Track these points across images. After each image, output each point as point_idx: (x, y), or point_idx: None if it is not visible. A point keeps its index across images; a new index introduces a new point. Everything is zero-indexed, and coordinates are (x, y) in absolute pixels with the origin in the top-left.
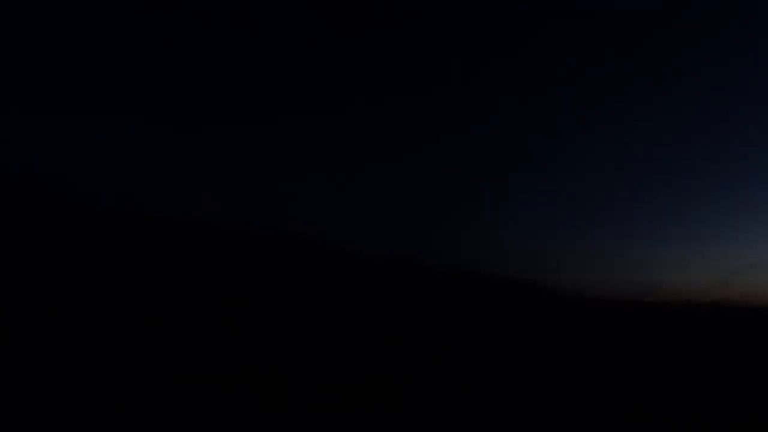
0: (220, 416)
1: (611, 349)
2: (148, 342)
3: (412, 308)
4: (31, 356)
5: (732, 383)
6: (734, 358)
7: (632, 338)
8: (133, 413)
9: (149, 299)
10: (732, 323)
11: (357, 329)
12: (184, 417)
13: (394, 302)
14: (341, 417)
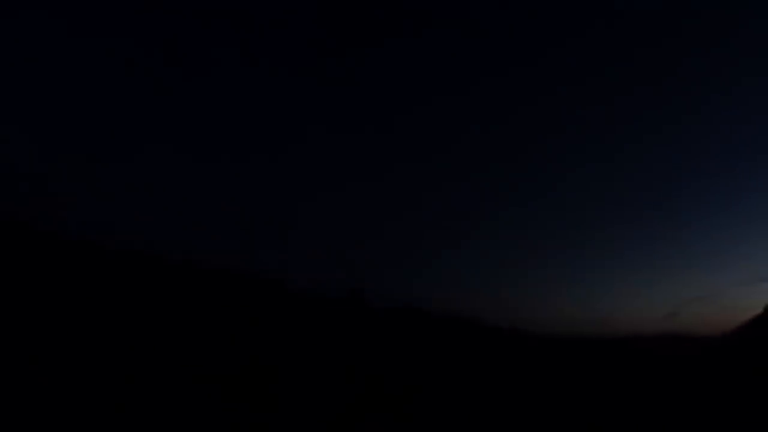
0: None
1: (556, 384)
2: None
3: (357, 342)
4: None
5: (681, 413)
6: (683, 388)
7: (578, 373)
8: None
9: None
10: (680, 354)
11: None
12: None
13: (340, 336)
14: None
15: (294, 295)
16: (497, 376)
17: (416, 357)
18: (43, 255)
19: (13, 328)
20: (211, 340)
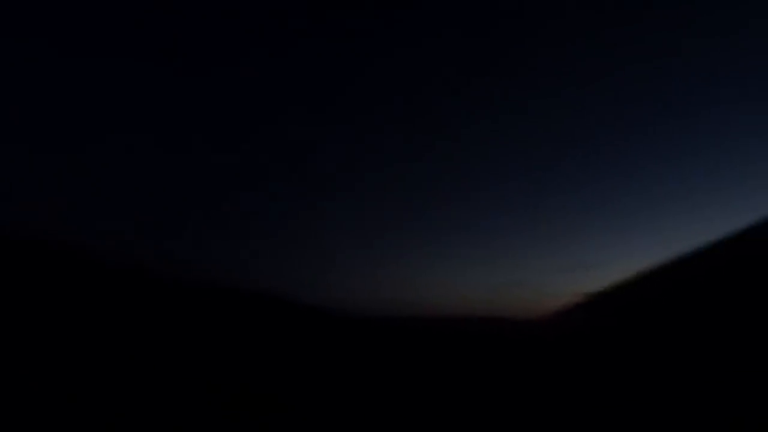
0: None
1: (381, 365)
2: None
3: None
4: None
5: (497, 393)
6: (499, 369)
7: (401, 353)
8: None
9: None
10: (498, 335)
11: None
12: None
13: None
14: None
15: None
16: (311, 357)
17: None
18: None
19: None
20: None
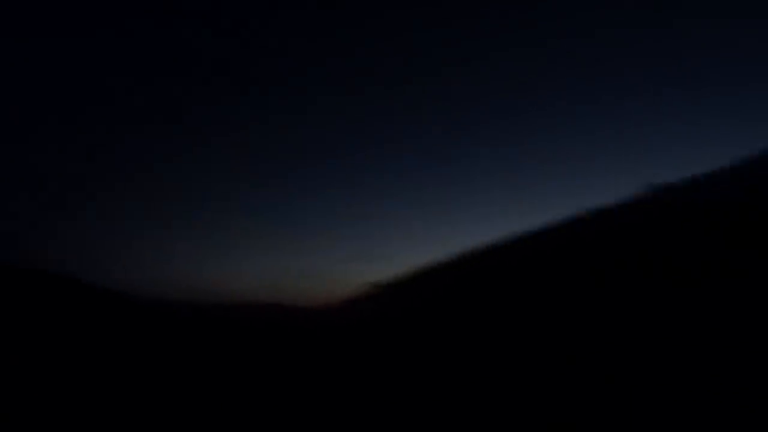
0: None
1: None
2: None
3: None
4: None
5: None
6: (282, 354)
7: (184, 338)
8: None
9: None
10: (282, 323)
11: None
12: None
13: None
14: None
15: None
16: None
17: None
18: None
19: None
20: None
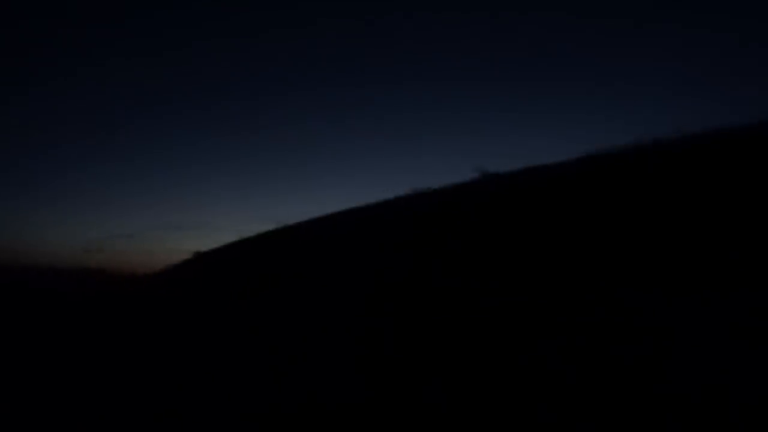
0: None
1: None
2: None
3: None
4: None
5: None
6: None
7: None
8: None
9: None
10: (98, 289)
11: None
12: None
13: None
14: None
15: None
16: None
17: None
18: None
19: None
20: None
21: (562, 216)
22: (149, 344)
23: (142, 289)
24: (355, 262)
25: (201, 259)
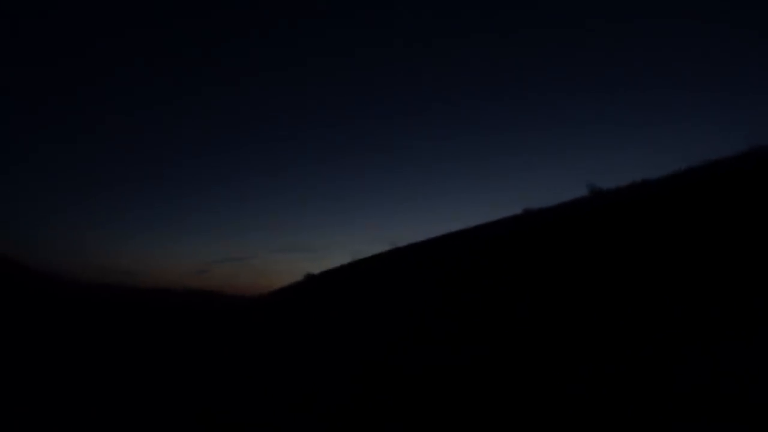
0: None
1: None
2: None
3: None
4: None
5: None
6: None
7: (105, 323)
8: None
9: None
10: (205, 309)
11: None
12: None
13: None
14: None
15: None
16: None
17: None
18: None
19: None
20: None
21: (678, 230)
22: (247, 361)
23: (249, 310)
24: (463, 287)
25: (311, 280)
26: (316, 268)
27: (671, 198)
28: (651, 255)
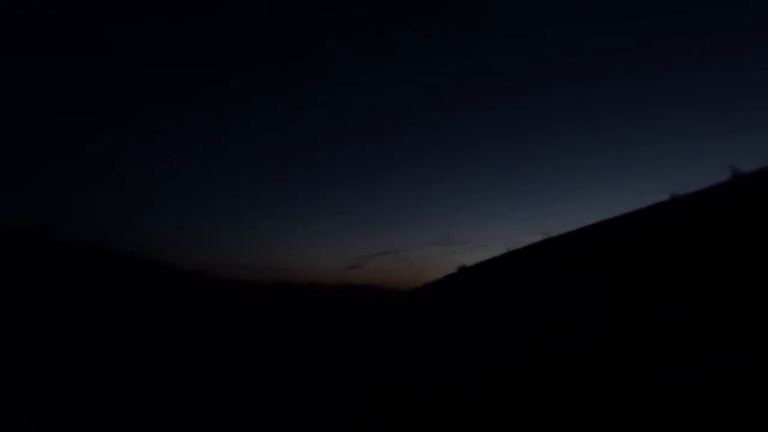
0: None
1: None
2: None
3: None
4: None
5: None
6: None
7: (258, 317)
8: None
9: None
10: (355, 304)
11: None
12: None
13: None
14: None
15: None
16: (176, 317)
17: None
18: None
19: None
20: None
21: None
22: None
23: (401, 302)
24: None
25: (463, 273)
26: (471, 261)
27: None
28: None
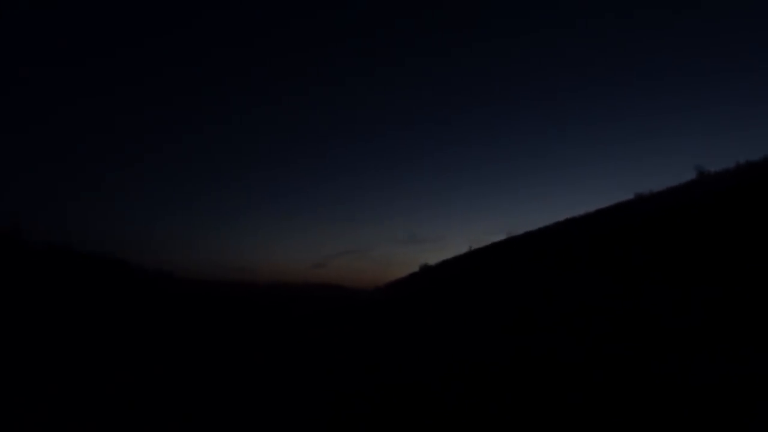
0: None
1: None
2: None
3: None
4: None
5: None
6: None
7: (221, 315)
8: None
9: None
10: (320, 304)
11: None
12: None
13: None
14: None
15: None
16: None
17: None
18: None
19: None
20: None
21: None
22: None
23: (366, 300)
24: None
25: (426, 272)
26: (434, 259)
27: None
28: None
